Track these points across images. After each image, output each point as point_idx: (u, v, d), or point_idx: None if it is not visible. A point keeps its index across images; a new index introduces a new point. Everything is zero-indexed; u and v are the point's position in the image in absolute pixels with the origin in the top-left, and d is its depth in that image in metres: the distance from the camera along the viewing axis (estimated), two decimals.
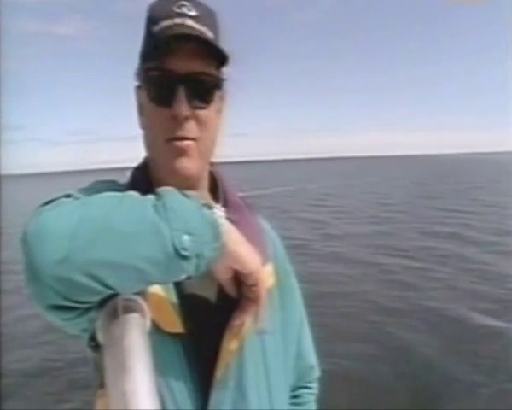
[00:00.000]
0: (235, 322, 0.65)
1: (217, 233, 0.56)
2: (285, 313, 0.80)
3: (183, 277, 0.56)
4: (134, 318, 0.53)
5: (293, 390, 0.87)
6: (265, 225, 0.85)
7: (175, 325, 0.63)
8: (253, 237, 0.68)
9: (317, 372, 0.93)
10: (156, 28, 0.65)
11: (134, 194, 0.56)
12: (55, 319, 0.54)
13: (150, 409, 0.45)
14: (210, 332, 0.66)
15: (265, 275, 0.66)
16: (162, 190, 0.57)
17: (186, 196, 0.57)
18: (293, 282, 0.86)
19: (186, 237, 0.52)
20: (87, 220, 0.50)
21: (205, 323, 0.67)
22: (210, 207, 0.58)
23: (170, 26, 0.64)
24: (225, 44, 0.70)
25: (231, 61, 0.69)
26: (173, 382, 0.63)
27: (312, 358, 0.91)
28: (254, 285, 0.62)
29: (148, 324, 0.56)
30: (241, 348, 0.67)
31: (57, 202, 0.55)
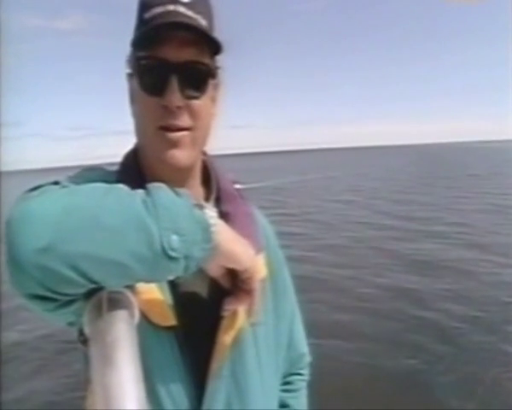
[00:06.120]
0: (228, 307, 0.64)
1: (207, 234, 0.54)
2: (277, 303, 0.80)
3: (170, 277, 0.54)
4: (120, 311, 0.51)
5: (285, 377, 0.87)
6: (259, 215, 0.84)
7: (167, 318, 0.63)
8: (246, 227, 0.69)
9: (308, 359, 0.93)
10: (148, 15, 0.63)
11: (123, 187, 0.54)
12: (35, 308, 0.53)
13: (134, 402, 0.43)
14: (203, 325, 0.66)
15: (259, 266, 0.65)
16: (153, 186, 0.54)
17: (177, 194, 0.54)
18: (286, 273, 0.86)
19: (175, 237, 0.50)
20: (72, 210, 0.48)
21: (198, 316, 0.67)
22: (201, 207, 0.56)
23: (162, 13, 0.62)
24: (220, 33, 0.68)
25: (225, 49, 0.67)
26: (168, 375, 0.62)
27: (304, 347, 0.91)
28: (249, 278, 0.61)
29: (137, 317, 0.55)
30: (235, 340, 0.67)
31: (44, 188, 0.54)
